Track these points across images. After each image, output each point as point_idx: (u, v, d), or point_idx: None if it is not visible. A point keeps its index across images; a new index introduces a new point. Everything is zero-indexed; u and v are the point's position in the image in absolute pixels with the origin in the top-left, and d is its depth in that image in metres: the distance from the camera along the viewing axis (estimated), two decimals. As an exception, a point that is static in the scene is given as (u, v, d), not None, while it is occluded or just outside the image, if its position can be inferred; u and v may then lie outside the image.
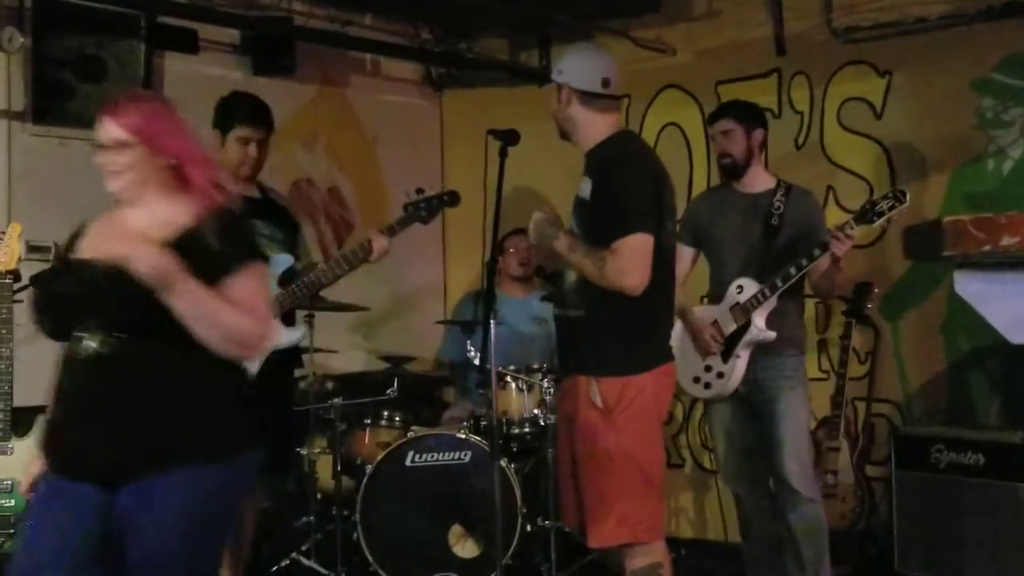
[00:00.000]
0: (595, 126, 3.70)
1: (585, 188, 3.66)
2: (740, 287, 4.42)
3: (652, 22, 6.10)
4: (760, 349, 4.39)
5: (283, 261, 4.43)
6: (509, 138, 3.76)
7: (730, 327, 4.42)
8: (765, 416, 4.41)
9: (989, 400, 5.13)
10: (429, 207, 4.57)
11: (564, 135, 3.79)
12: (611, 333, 3.62)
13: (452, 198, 4.64)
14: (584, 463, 3.61)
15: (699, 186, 5.93)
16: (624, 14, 6.10)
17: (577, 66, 3.68)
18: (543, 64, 6.55)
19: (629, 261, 3.50)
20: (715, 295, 4.56)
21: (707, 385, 4.50)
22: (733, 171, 4.53)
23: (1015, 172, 5.07)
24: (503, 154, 3.71)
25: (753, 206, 4.49)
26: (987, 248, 3.23)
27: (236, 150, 4.44)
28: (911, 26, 5.29)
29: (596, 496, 3.58)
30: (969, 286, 3.55)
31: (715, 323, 4.47)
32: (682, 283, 4.60)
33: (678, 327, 4.59)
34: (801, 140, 5.68)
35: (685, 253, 4.61)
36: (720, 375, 4.45)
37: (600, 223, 3.58)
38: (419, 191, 4.60)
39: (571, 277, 3.70)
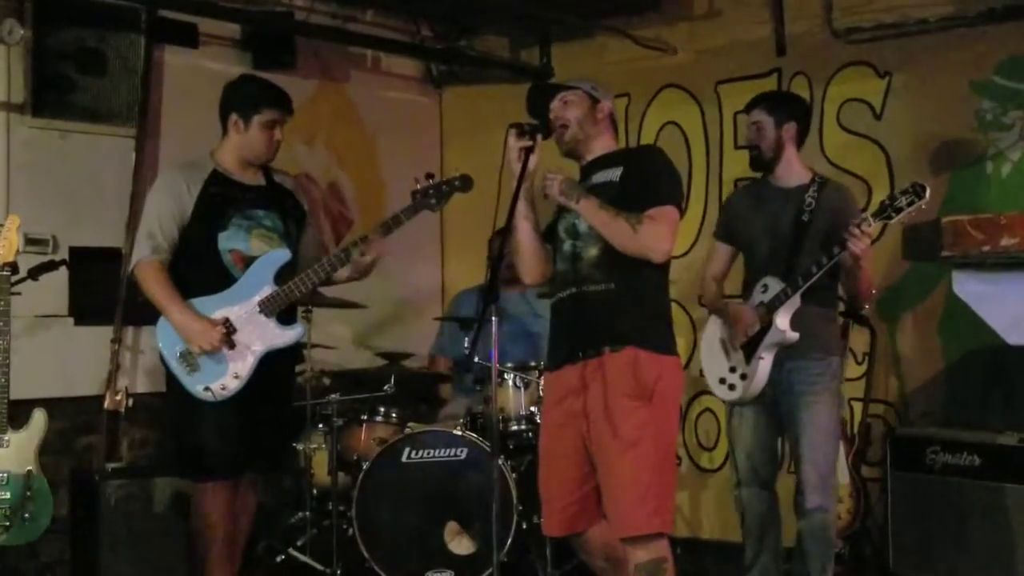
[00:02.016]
0: (607, 143, 3.90)
1: (612, 173, 3.77)
2: (765, 286, 4.33)
3: (653, 21, 6.10)
4: (786, 351, 4.28)
5: (280, 257, 4.29)
6: (542, 129, 3.75)
7: (754, 327, 4.33)
8: (788, 421, 4.34)
9: (986, 402, 5.12)
10: (439, 193, 4.26)
11: (571, 144, 3.85)
12: (644, 307, 3.69)
13: (464, 183, 4.27)
14: (620, 450, 3.58)
15: (698, 185, 5.94)
16: (625, 13, 6.10)
17: (609, 97, 3.93)
18: (543, 62, 6.56)
19: (665, 228, 3.66)
20: (746, 293, 4.45)
21: (731, 387, 4.41)
22: (760, 163, 4.44)
23: (1014, 175, 5.07)
24: (530, 150, 3.69)
25: (785, 202, 4.38)
26: (986, 248, 3.23)
27: (261, 136, 4.31)
28: (911, 27, 5.29)
29: (632, 483, 3.57)
30: (967, 286, 3.55)
31: (753, 311, 4.36)
32: (720, 280, 4.61)
33: (709, 327, 4.57)
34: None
35: (723, 250, 4.60)
36: (744, 376, 4.36)
37: (632, 197, 3.67)
38: (428, 176, 4.30)
39: (591, 252, 3.71)
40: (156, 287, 4.20)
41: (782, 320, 4.24)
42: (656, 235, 3.63)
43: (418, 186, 4.29)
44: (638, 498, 3.57)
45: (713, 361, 4.47)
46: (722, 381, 4.44)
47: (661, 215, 3.65)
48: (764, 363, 4.29)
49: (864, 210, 5.25)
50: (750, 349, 4.33)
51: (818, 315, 4.32)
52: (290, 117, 4.40)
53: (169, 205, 4.25)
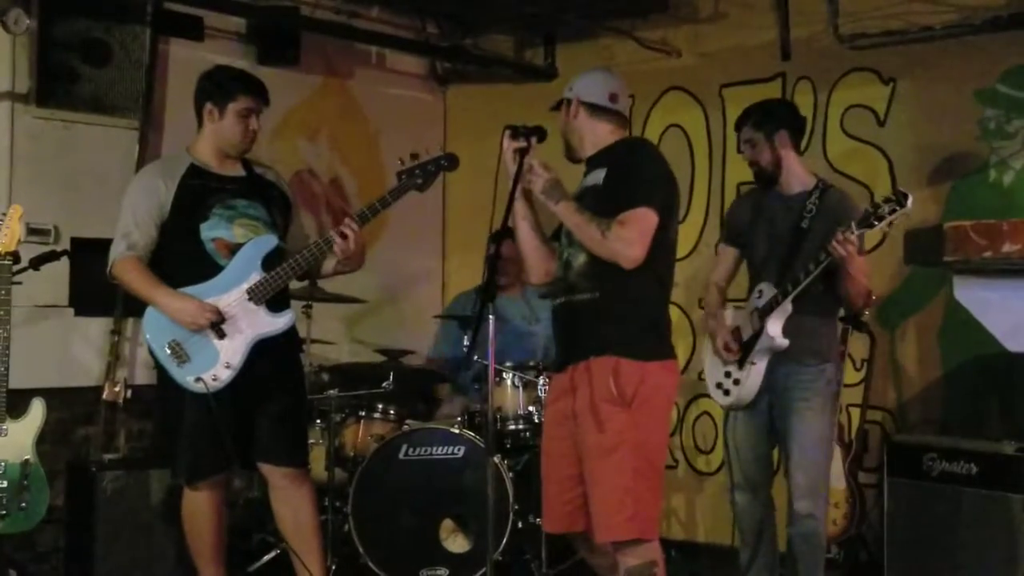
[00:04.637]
0: (601, 135, 3.81)
1: (598, 175, 3.73)
2: (760, 291, 4.34)
3: (658, 23, 6.10)
4: (779, 357, 4.29)
5: (266, 242, 4.19)
6: (536, 133, 3.74)
7: (748, 333, 4.36)
8: (780, 426, 4.36)
9: (984, 409, 5.12)
10: (425, 173, 4.19)
11: (569, 152, 3.85)
12: (630, 315, 3.65)
13: (450, 161, 4.23)
14: (599, 455, 3.58)
15: (700, 188, 5.94)
16: (630, 14, 6.10)
17: (586, 82, 3.83)
18: (548, 62, 6.56)
19: (633, 232, 3.56)
20: (749, 298, 4.46)
21: (727, 392, 4.43)
22: (764, 178, 4.44)
23: (1016, 183, 5.07)
24: (524, 152, 3.68)
25: (786, 209, 4.38)
26: (988, 254, 3.22)
27: (236, 124, 4.21)
28: (917, 34, 5.29)
29: (610, 488, 3.57)
30: (968, 292, 3.55)
31: (737, 329, 4.40)
32: (724, 284, 4.60)
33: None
34: (804, 146, 5.62)
35: (728, 254, 4.60)
36: (737, 382, 4.38)
37: (612, 202, 3.62)
38: (413, 156, 4.22)
39: (579, 260, 3.70)
40: (137, 278, 4.13)
41: (773, 327, 4.26)
42: (623, 240, 3.56)
43: (402, 166, 4.22)
44: (616, 503, 3.56)
45: (712, 366, 4.49)
46: (719, 386, 4.46)
47: (632, 219, 3.57)
48: (756, 369, 4.32)
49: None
50: (743, 354, 4.36)
51: (814, 321, 4.32)
52: (265, 107, 4.30)
53: (145, 203, 4.16)
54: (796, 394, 4.29)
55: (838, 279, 4.26)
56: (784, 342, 4.25)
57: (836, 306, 4.46)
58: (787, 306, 4.24)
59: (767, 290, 4.32)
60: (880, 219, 4.02)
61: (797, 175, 4.42)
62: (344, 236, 4.15)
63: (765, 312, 4.28)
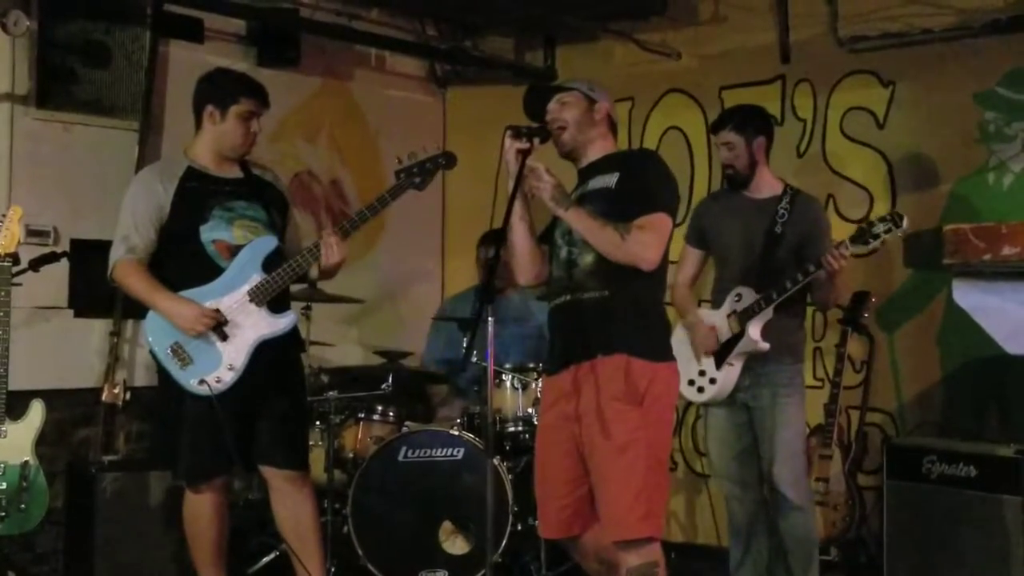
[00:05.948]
0: (607, 144, 3.89)
1: (609, 179, 3.75)
2: (739, 295, 4.45)
3: (658, 25, 6.10)
4: (757, 357, 4.42)
5: (266, 243, 4.19)
6: (540, 133, 3.74)
7: (725, 334, 4.46)
8: (761, 423, 4.45)
9: (983, 412, 5.13)
10: (423, 172, 4.24)
11: (570, 146, 3.85)
12: (639, 316, 3.68)
13: (448, 160, 4.28)
14: (611, 454, 3.58)
15: (700, 191, 5.93)
16: (630, 17, 6.10)
17: (607, 98, 3.91)
18: (547, 64, 6.57)
19: (653, 236, 3.63)
20: (717, 300, 4.57)
21: (700, 389, 4.54)
22: (736, 182, 4.55)
23: (1016, 186, 5.08)
24: (527, 153, 3.68)
25: (758, 212, 4.49)
26: (987, 257, 3.23)
27: (238, 127, 4.21)
28: (916, 37, 5.30)
29: (623, 487, 3.56)
30: (967, 296, 3.56)
31: (712, 328, 4.51)
32: (690, 285, 4.70)
33: (679, 331, 4.61)
34: (803, 148, 5.68)
35: (693, 255, 4.68)
36: (713, 381, 4.49)
37: (626, 205, 3.65)
38: (412, 155, 4.26)
39: (586, 260, 3.70)
40: (137, 281, 4.12)
41: (754, 331, 4.39)
42: (644, 244, 3.60)
43: (401, 165, 4.24)
44: (629, 502, 3.56)
45: (683, 363, 4.52)
46: (691, 383, 4.55)
47: (651, 223, 3.62)
48: (733, 369, 4.45)
49: (862, 220, 5.31)
50: (721, 355, 4.47)
51: (788, 324, 4.48)
52: (266, 110, 4.30)
53: (144, 206, 4.16)
54: (777, 391, 4.43)
55: (816, 286, 4.40)
56: (765, 345, 4.39)
57: (805, 307, 4.61)
58: (769, 311, 4.38)
59: (747, 294, 4.44)
60: (875, 237, 4.23)
61: (767, 181, 4.56)
62: (328, 246, 4.17)
63: (746, 316, 4.40)
